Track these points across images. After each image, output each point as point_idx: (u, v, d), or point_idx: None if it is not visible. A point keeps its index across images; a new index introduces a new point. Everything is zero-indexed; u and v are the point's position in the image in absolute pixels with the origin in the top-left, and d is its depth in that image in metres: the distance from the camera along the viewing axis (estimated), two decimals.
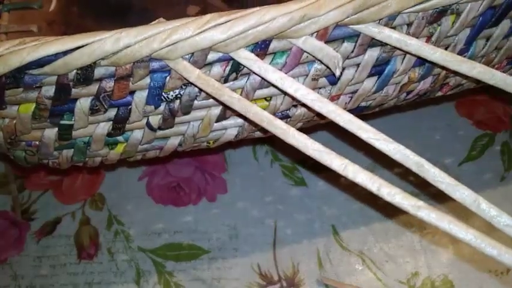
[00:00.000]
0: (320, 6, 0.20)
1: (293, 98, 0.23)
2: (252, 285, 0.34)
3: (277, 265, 0.34)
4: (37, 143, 0.23)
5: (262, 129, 0.25)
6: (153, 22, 0.20)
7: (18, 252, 0.35)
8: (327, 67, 0.22)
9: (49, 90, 0.21)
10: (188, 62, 0.20)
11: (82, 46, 0.19)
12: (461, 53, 0.26)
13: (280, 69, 0.22)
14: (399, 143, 0.22)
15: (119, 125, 0.23)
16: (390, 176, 0.37)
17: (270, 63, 0.22)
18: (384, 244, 0.35)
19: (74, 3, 0.32)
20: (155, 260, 0.35)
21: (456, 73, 0.25)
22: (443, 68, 0.25)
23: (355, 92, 0.26)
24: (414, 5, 0.21)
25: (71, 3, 0.32)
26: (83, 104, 0.22)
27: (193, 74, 0.20)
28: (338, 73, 0.22)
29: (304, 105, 0.22)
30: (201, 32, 0.19)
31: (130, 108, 0.22)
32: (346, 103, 0.26)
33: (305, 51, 0.22)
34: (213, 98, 0.21)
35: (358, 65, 0.24)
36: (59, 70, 0.20)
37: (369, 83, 0.25)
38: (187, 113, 0.24)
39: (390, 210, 0.36)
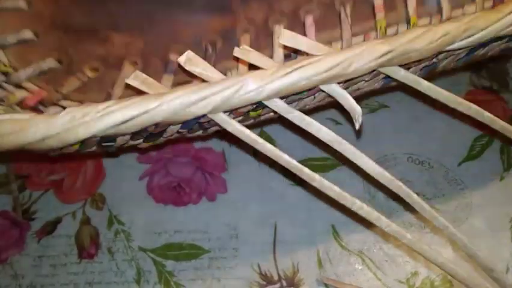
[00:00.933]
0: (351, 64, 0.20)
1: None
2: (252, 285, 0.34)
3: (277, 265, 0.34)
4: None
5: None
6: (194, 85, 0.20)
7: (18, 252, 0.35)
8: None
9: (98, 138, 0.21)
10: (226, 116, 0.21)
11: (136, 116, 0.19)
12: None
13: (298, 100, 0.23)
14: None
15: (152, 138, 0.24)
16: None
17: (293, 94, 0.22)
18: (383, 244, 0.35)
19: None
20: (156, 259, 0.35)
21: None
22: None
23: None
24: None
25: None
26: (125, 137, 0.22)
27: (230, 125, 0.21)
28: (357, 126, 0.23)
29: None
30: (245, 93, 0.20)
31: (165, 130, 0.23)
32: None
33: (330, 95, 0.22)
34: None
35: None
36: (125, 131, 0.20)
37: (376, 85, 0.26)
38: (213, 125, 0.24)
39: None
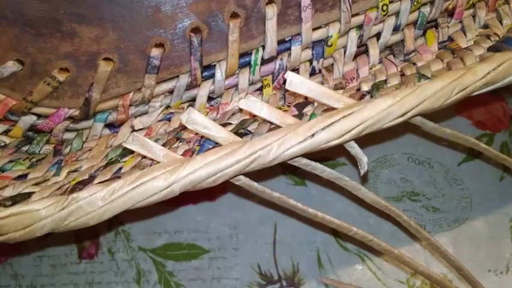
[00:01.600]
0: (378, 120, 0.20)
1: None
2: (252, 285, 0.34)
3: (277, 265, 0.35)
4: None
5: None
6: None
7: (18, 252, 0.35)
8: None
9: None
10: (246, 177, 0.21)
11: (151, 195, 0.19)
12: None
13: None
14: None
15: None
16: None
17: None
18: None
19: None
20: (156, 259, 0.35)
21: None
22: None
23: None
24: None
25: None
26: None
27: (250, 187, 0.22)
28: (362, 172, 0.24)
29: None
30: (268, 155, 0.20)
31: None
32: None
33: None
34: None
35: None
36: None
37: None
38: None
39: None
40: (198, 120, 0.19)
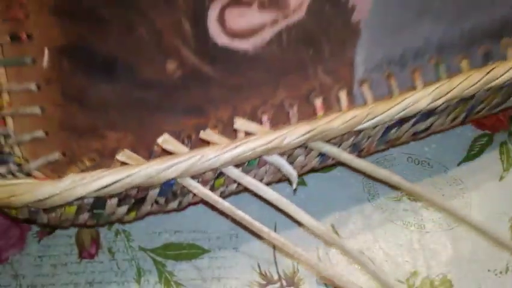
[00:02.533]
0: (284, 138, 0.27)
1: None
2: (252, 284, 0.34)
3: (277, 264, 0.35)
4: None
5: None
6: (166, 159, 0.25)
7: (19, 252, 0.35)
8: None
9: (90, 200, 0.26)
10: (193, 181, 0.27)
11: (121, 179, 0.24)
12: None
13: (253, 170, 0.29)
14: None
15: (136, 206, 0.29)
16: None
17: (246, 165, 0.28)
18: (383, 243, 0.36)
19: (65, 58, 0.35)
20: (156, 259, 0.35)
21: None
22: None
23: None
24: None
25: (63, 57, 0.35)
26: (113, 201, 0.27)
27: (196, 188, 0.27)
28: (294, 186, 0.29)
29: None
30: (205, 161, 0.25)
31: (146, 198, 0.28)
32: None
33: (271, 164, 0.29)
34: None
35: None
36: (106, 193, 0.25)
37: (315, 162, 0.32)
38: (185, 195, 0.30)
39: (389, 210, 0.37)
40: (170, 142, 0.29)
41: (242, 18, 0.37)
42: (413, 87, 0.35)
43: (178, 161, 0.25)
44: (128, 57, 0.35)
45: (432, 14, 0.38)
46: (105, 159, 0.33)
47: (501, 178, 0.39)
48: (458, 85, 0.28)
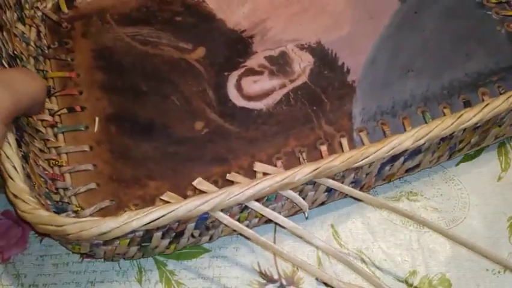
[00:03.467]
0: (295, 176, 0.32)
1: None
2: (252, 284, 0.35)
3: (277, 264, 0.36)
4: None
5: None
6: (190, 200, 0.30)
7: (21, 251, 0.36)
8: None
9: (140, 233, 0.31)
10: (221, 212, 0.31)
11: (166, 214, 0.29)
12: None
13: (271, 204, 0.34)
14: None
15: (176, 239, 0.34)
16: None
17: (266, 200, 0.33)
18: (382, 243, 0.37)
19: (112, 124, 0.41)
20: (157, 258, 0.36)
21: None
22: None
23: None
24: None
25: (110, 123, 0.41)
26: (158, 234, 0.32)
27: (225, 219, 0.32)
28: (306, 215, 0.35)
29: None
30: (232, 196, 0.30)
31: (184, 231, 0.33)
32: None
33: (286, 197, 0.33)
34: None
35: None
36: (154, 226, 0.30)
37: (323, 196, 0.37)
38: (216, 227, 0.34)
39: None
40: (203, 184, 0.34)
41: (255, 84, 0.44)
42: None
43: (211, 197, 0.30)
44: (163, 120, 0.41)
45: (415, 72, 0.45)
46: (147, 204, 0.37)
47: (499, 178, 0.39)
48: (435, 127, 0.33)
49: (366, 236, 0.37)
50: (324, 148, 0.41)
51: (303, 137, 0.41)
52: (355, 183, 0.36)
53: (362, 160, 0.32)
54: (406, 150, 0.34)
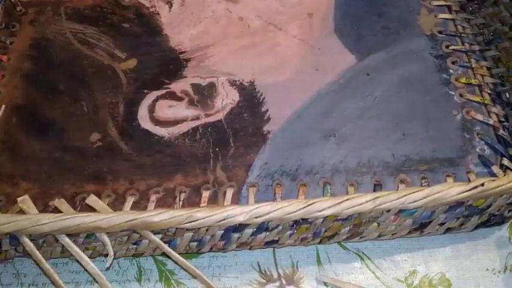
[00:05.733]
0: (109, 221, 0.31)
1: None
2: (252, 283, 0.35)
3: (276, 263, 0.36)
4: None
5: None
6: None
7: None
8: None
9: None
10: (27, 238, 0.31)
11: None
12: None
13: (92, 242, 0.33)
14: None
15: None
16: None
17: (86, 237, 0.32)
18: (382, 243, 0.36)
19: (15, 115, 0.41)
20: (157, 258, 0.36)
21: None
22: None
23: None
24: None
25: (14, 114, 0.41)
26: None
27: (28, 245, 0.31)
28: (107, 265, 0.32)
29: None
30: (41, 224, 0.30)
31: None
32: None
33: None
34: None
35: None
36: None
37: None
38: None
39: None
40: None
41: (169, 109, 0.43)
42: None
43: (20, 219, 0.30)
44: (63, 124, 0.41)
45: (337, 139, 0.41)
46: (9, 203, 0.36)
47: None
48: (278, 209, 0.31)
49: None
50: (206, 194, 0.38)
51: (192, 177, 0.39)
52: (198, 243, 0.34)
53: (187, 223, 0.30)
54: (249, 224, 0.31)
